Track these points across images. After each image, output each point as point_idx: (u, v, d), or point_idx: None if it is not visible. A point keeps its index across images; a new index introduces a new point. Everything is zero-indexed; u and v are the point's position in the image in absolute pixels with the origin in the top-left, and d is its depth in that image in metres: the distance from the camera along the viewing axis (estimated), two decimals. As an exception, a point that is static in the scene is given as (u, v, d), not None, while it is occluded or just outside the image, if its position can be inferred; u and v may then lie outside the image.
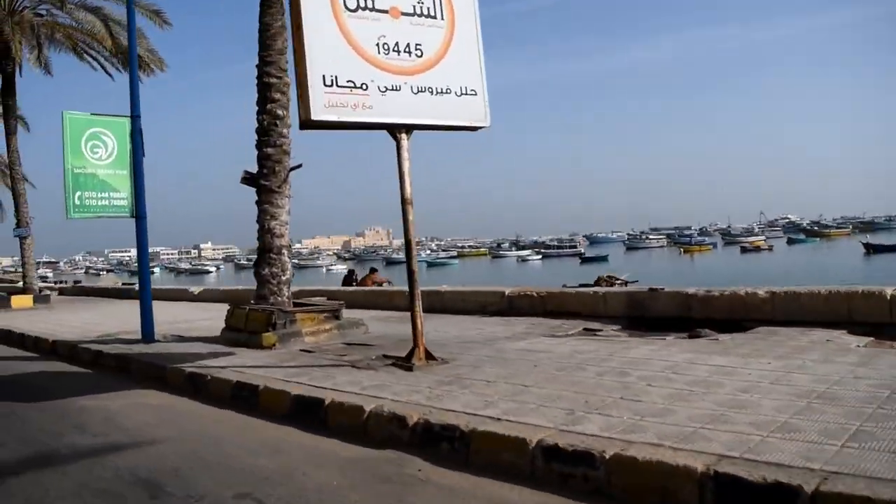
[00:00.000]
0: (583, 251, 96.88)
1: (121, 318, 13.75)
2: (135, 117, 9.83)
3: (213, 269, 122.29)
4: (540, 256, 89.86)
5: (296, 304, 9.05)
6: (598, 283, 12.90)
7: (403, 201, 6.65)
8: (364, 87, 6.36)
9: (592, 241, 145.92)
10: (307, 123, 6.21)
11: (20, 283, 21.50)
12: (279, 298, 8.89)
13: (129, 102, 9.86)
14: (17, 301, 18.98)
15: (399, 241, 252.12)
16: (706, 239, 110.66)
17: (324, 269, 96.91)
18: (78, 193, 9.24)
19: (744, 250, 77.63)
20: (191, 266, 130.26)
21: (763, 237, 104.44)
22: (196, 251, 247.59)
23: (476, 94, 7.02)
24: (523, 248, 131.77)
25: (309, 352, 7.79)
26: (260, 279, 8.92)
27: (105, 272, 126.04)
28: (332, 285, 18.55)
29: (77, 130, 9.38)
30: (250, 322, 8.56)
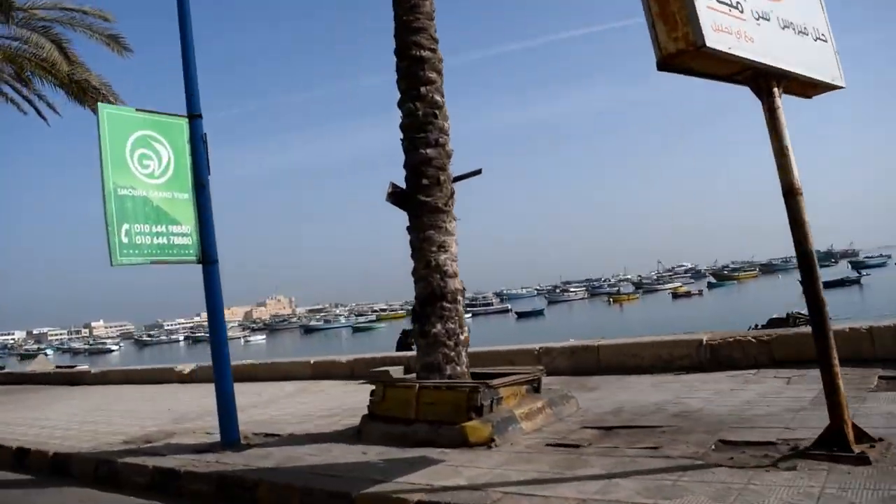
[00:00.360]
0: (509, 307, 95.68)
1: (119, 412, 10.22)
2: (195, 117, 6.84)
3: (115, 346, 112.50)
4: (470, 315, 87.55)
5: (475, 375, 6.20)
6: (787, 321, 10.69)
7: (790, 192, 4.13)
8: (738, 7, 3.93)
9: (502, 297, 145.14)
10: (682, 56, 3.68)
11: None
12: (458, 368, 6.04)
13: (185, 97, 6.88)
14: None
15: (303, 309, 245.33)
16: (620, 288, 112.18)
17: (241, 342, 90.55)
18: (125, 227, 6.07)
19: (675, 297, 78.40)
20: (89, 345, 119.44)
21: (681, 283, 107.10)
22: (87, 330, 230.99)
23: (826, 42, 4.71)
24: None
25: (564, 446, 4.98)
26: (429, 340, 6.03)
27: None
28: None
29: (120, 133, 6.25)
30: (428, 406, 5.65)
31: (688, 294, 78.04)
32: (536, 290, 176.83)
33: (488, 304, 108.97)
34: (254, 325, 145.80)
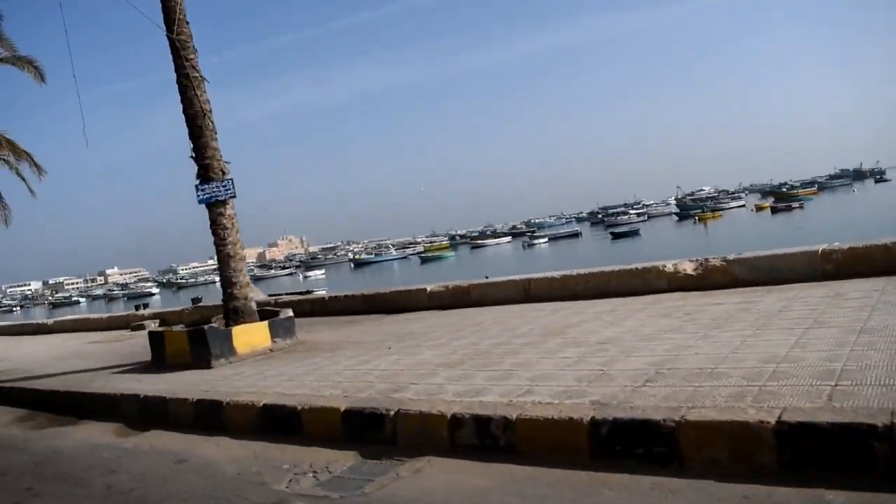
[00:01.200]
0: (578, 230, 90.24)
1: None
2: None
3: (155, 290, 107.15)
4: (546, 240, 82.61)
5: None
6: None
7: None
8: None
9: (532, 226, 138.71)
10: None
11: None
12: None
13: None
14: (244, 336, 8.65)
15: (315, 248, 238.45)
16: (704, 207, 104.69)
17: (300, 277, 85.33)
18: None
19: (775, 211, 72.50)
20: (129, 291, 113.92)
21: (743, 202, 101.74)
22: (102, 277, 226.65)
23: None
24: (478, 237, 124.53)
25: None
26: None
27: (18, 307, 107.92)
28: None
29: None
30: None
31: (788, 208, 72.04)
32: (564, 217, 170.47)
33: (532, 233, 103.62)
34: (297, 263, 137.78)
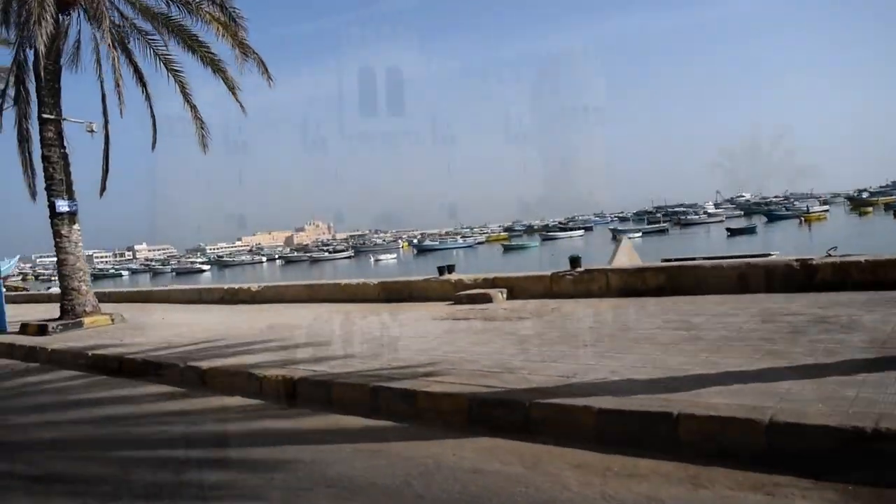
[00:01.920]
0: (666, 226, 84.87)
1: None
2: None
3: (206, 267, 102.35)
4: (640, 234, 77.33)
5: None
6: None
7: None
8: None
9: (571, 224, 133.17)
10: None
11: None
12: None
13: None
14: None
15: (343, 234, 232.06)
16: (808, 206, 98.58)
17: (371, 261, 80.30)
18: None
19: (897, 214, 66.71)
20: (178, 266, 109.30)
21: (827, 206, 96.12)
22: (130, 253, 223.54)
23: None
24: (532, 230, 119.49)
25: None
26: None
27: (55, 277, 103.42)
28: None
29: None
30: None
31: (907, 213, 66.40)
32: (607, 216, 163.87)
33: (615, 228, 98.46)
34: (341, 248, 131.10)
